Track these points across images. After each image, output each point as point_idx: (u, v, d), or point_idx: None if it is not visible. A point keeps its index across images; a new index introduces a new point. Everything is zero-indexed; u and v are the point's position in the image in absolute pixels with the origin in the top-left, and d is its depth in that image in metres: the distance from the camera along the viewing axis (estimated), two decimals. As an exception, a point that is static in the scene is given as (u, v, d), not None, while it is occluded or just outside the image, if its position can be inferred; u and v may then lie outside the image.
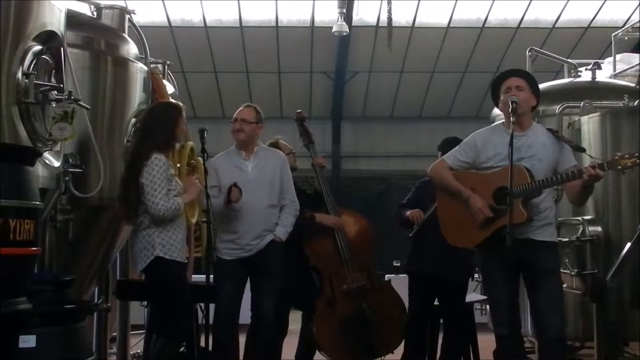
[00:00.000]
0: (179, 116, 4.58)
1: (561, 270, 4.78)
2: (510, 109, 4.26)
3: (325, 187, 5.70)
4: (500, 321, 4.32)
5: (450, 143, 5.59)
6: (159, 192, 4.33)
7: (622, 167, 3.94)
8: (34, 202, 3.65)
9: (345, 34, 11.74)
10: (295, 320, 5.73)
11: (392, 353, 5.64)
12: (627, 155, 3.92)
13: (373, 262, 5.78)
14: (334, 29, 11.55)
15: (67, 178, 4.29)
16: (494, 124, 4.69)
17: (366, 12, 12.92)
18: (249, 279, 5.19)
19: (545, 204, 4.31)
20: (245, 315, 5.21)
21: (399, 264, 9.89)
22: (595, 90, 6.31)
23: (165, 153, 4.48)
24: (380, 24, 12.79)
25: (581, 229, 5.44)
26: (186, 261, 4.44)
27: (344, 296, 5.49)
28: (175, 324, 4.49)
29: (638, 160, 3.85)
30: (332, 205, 5.65)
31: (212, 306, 4.76)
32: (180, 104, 4.94)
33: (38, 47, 3.75)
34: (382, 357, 5.61)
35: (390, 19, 11.02)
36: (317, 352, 5.71)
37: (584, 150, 4.72)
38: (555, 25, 13.29)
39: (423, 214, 5.41)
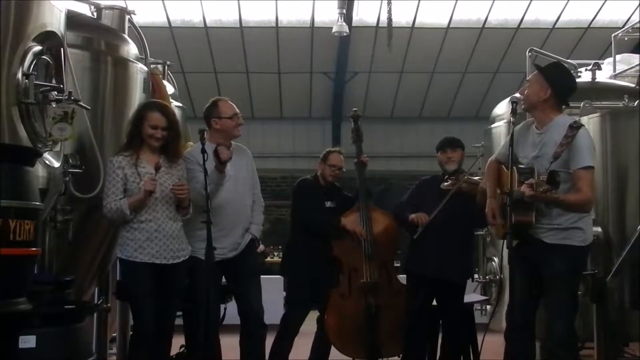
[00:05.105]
0: (145, 113, 4.51)
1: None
2: (510, 110, 4.28)
3: (361, 186, 5.82)
4: (510, 316, 4.26)
5: (445, 143, 5.63)
6: (107, 195, 4.40)
7: (542, 190, 3.90)
8: (34, 203, 3.66)
9: (345, 34, 11.73)
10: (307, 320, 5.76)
11: (398, 357, 5.62)
12: (543, 179, 3.94)
13: (393, 263, 5.86)
14: (334, 30, 11.55)
15: (67, 178, 4.28)
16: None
17: (366, 13, 12.93)
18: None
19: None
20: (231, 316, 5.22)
21: (398, 265, 9.88)
22: (595, 91, 6.30)
23: (132, 151, 4.47)
24: (380, 25, 12.80)
25: (581, 229, 5.43)
26: (152, 261, 4.41)
27: (359, 290, 5.54)
28: (135, 323, 4.57)
29: (547, 188, 3.87)
30: (364, 205, 5.72)
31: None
32: (160, 101, 4.88)
33: (38, 48, 3.74)
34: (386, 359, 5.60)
35: (390, 19, 11.03)
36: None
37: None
38: (555, 26, 13.30)
39: (427, 216, 5.38)
